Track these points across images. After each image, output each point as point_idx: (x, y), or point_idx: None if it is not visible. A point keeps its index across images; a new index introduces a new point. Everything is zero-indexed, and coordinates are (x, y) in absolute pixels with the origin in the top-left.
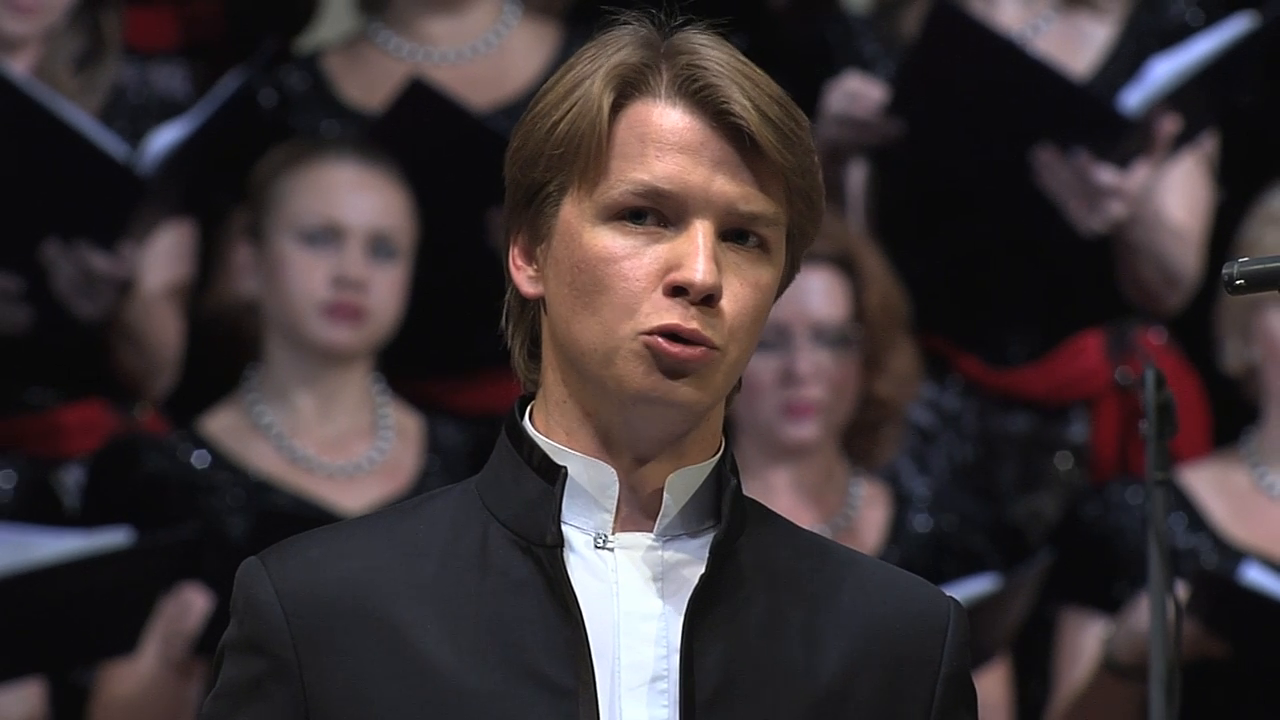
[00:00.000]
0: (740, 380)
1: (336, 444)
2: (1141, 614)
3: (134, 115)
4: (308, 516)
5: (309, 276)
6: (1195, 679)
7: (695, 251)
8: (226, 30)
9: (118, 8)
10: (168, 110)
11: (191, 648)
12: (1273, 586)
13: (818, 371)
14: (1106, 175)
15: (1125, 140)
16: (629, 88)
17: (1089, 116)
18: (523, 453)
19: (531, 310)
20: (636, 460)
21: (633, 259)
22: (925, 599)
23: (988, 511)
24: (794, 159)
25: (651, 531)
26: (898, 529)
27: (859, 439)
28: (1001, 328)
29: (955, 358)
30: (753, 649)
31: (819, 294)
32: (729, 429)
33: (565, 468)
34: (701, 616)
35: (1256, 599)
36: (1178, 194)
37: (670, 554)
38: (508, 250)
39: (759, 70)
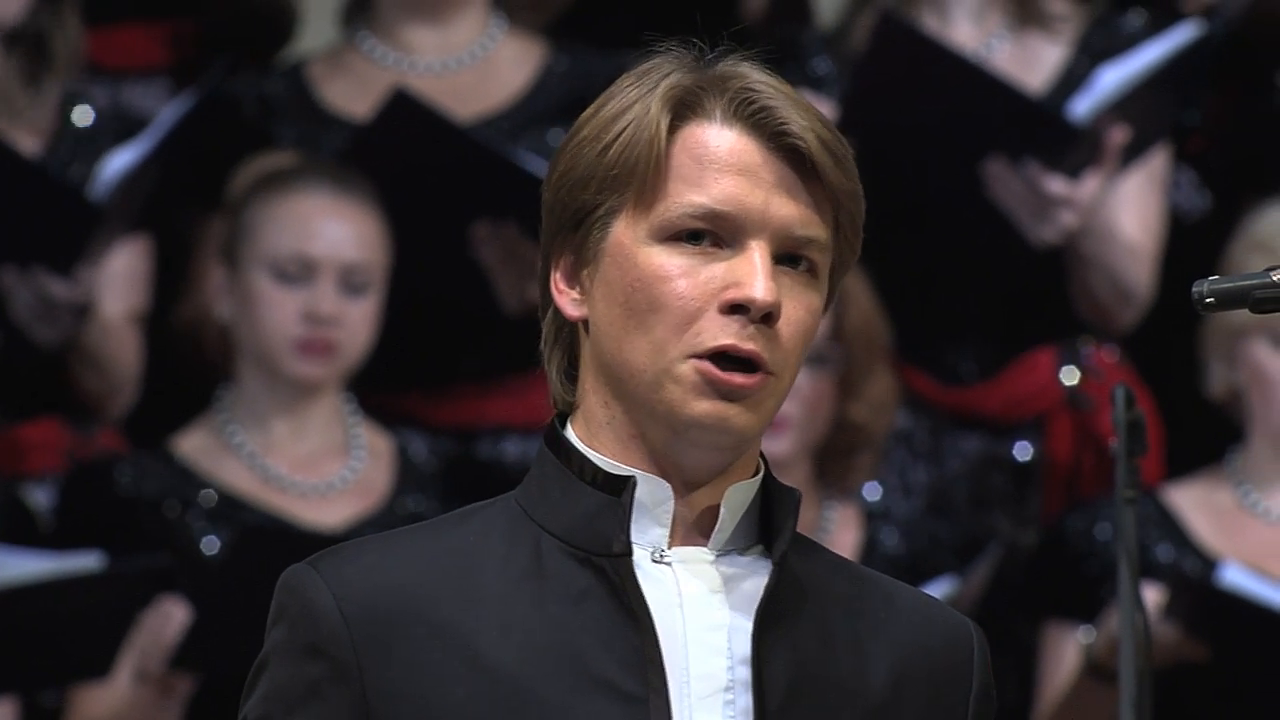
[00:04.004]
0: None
1: (309, 463)
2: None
3: (98, 132)
4: (285, 532)
5: (280, 312)
6: (1175, 683)
7: (754, 270)
8: (202, 49)
9: (61, 19)
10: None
11: (168, 660)
12: (1250, 588)
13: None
14: (1057, 185)
15: (1075, 149)
16: (684, 109)
17: (1038, 126)
18: (572, 467)
19: (570, 333)
20: (685, 483)
21: (689, 277)
22: (953, 621)
23: (956, 531)
24: (848, 185)
25: (705, 546)
26: (869, 551)
27: (832, 464)
28: (953, 345)
29: (906, 375)
30: (813, 662)
31: None
32: None
33: (633, 477)
34: (768, 629)
35: (1234, 601)
36: (1130, 210)
37: (726, 568)
38: (547, 274)
39: (804, 98)
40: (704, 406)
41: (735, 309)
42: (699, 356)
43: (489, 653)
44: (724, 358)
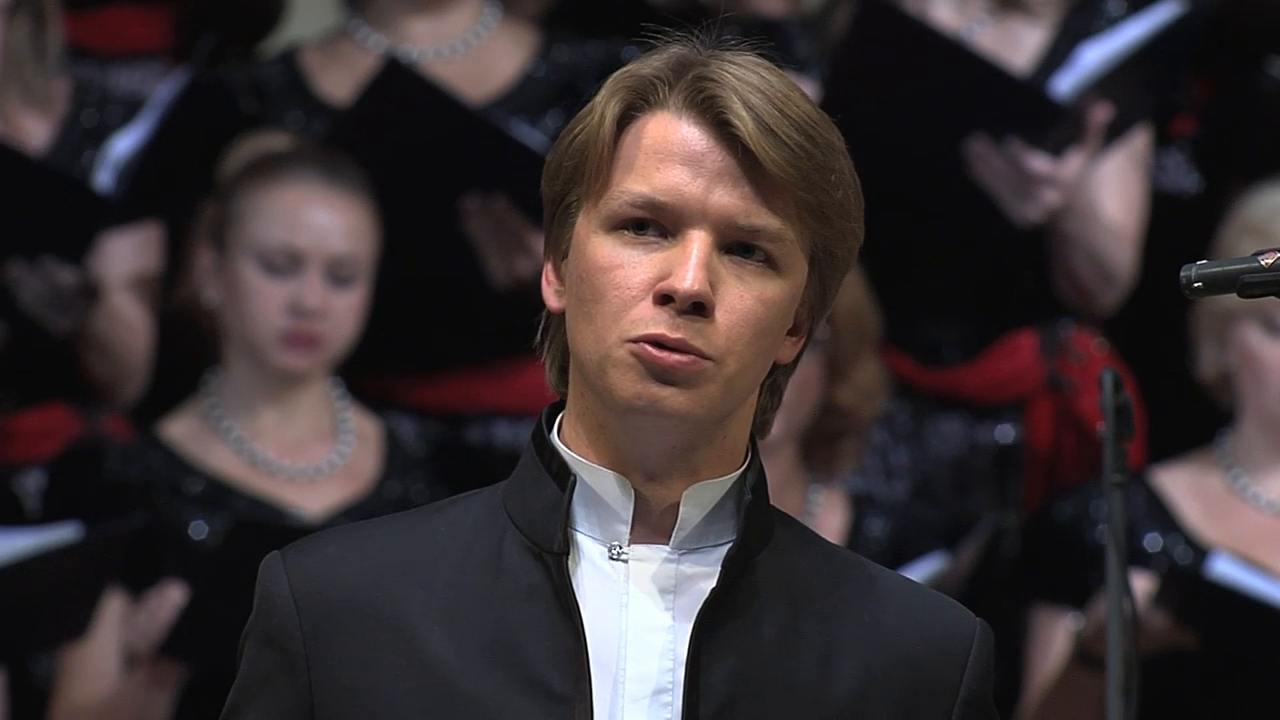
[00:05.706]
0: (779, 398)
1: (297, 447)
2: None
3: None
4: (271, 519)
5: (267, 303)
6: (1165, 670)
7: (686, 260)
8: (192, 32)
9: None
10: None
11: (160, 639)
12: (1240, 578)
13: None
14: (1040, 163)
15: (1058, 128)
16: (638, 100)
17: (1021, 104)
18: (544, 460)
19: (563, 325)
20: (649, 476)
21: (628, 268)
22: (950, 621)
23: (938, 514)
24: (797, 174)
25: (668, 544)
26: (854, 535)
27: (819, 449)
28: (934, 327)
29: (888, 356)
30: (763, 666)
31: None
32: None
33: (576, 475)
34: (711, 631)
35: (1224, 591)
36: (1112, 191)
37: (686, 567)
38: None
39: (790, 90)
40: (637, 388)
41: (665, 299)
42: (633, 340)
43: (431, 648)
44: (657, 344)
